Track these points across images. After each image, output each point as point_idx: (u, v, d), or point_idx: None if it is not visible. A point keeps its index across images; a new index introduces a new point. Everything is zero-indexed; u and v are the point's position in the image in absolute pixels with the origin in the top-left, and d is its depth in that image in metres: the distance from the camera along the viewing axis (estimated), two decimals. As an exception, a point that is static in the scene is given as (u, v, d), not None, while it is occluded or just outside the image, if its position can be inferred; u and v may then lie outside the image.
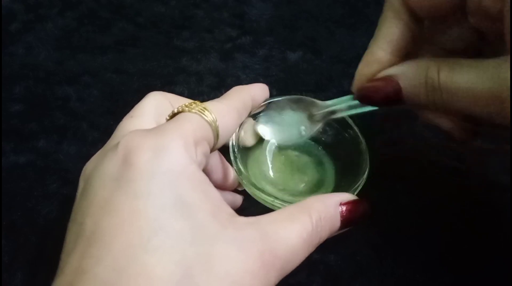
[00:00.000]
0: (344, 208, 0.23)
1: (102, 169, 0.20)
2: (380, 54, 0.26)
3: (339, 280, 0.30)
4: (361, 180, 0.29)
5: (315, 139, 0.33)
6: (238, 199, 0.31)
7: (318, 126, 0.30)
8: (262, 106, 0.31)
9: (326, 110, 0.30)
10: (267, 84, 0.31)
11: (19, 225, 0.31)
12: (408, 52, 0.26)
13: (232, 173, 0.29)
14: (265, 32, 0.44)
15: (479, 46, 0.26)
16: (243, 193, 0.29)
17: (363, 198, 0.25)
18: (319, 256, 0.30)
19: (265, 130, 0.31)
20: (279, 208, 0.28)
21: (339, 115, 0.29)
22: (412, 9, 0.25)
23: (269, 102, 0.32)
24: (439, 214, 0.32)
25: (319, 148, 0.33)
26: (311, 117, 0.30)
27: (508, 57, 0.19)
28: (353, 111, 0.28)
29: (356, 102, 0.28)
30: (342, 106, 0.29)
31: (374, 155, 0.30)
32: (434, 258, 0.31)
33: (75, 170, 0.34)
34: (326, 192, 0.31)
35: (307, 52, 0.43)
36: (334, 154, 0.33)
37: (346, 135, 0.32)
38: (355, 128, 0.32)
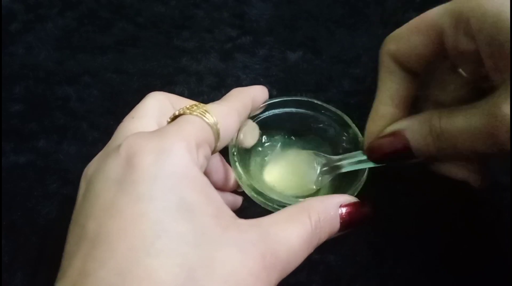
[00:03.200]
0: (344, 210, 0.23)
1: (104, 171, 0.20)
2: (385, 110, 0.27)
3: (339, 280, 0.30)
4: (361, 181, 0.29)
5: (314, 140, 0.33)
6: (239, 200, 0.31)
7: (328, 180, 0.31)
8: (261, 107, 0.31)
9: (337, 164, 0.30)
10: (267, 84, 0.31)
11: (19, 225, 0.31)
12: (412, 106, 0.27)
13: (232, 174, 0.29)
14: (265, 32, 0.44)
15: (477, 94, 0.26)
16: (244, 193, 0.29)
17: (365, 200, 0.25)
18: (319, 256, 0.30)
19: (274, 181, 0.31)
20: (279, 210, 0.28)
21: (348, 169, 0.29)
22: (402, 62, 0.26)
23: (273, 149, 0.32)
24: (439, 214, 0.32)
25: (319, 150, 0.33)
26: (322, 169, 0.31)
27: (496, 96, 0.21)
28: (363, 166, 0.29)
29: (365, 158, 0.28)
30: (352, 161, 0.29)
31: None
32: (434, 258, 0.31)
33: (75, 170, 0.34)
34: (326, 193, 0.31)
35: (307, 52, 0.43)
36: (334, 155, 0.33)
37: (346, 135, 0.32)
38: (355, 128, 0.32)
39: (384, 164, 0.27)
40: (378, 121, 0.27)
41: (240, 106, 0.27)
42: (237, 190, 0.30)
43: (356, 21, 0.45)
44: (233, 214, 0.21)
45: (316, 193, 0.31)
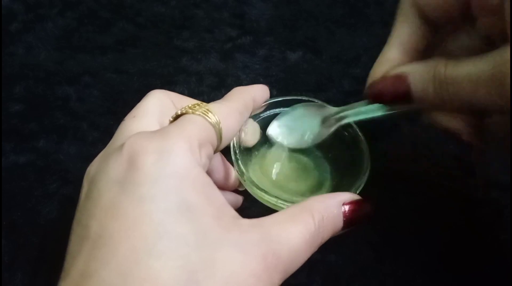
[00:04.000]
0: (347, 208, 0.23)
1: (106, 172, 0.20)
2: (392, 54, 0.26)
3: (339, 280, 0.30)
4: (362, 179, 0.29)
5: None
6: (239, 199, 0.31)
7: (330, 131, 0.30)
8: (262, 107, 0.31)
9: (338, 115, 0.30)
10: (267, 84, 0.31)
11: (19, 225, 0.31)
12: (421, 57, 0.26)
13: (233, 173, 0.29)
14: (265, 32, 0.44)
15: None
16: (244, 193, 0.29)
17: (366, 197, 0.25)
18: (319, 256, 0.30)
19: (277, 133, 0.31)
20: (282, 208, 0.28)
21: (349, 120, 0.29)
22: (421, 10, 0.25)
23: (282, 109, 0.32)
24: (439, 214, 0.32)
25: (320, 148, 0.33)
26: (322, 123, 0.31)
27: (507, 45, 0.20)
28: (364, 116, 0.29)
29: (368, 107, 0.28)
30: (353, 111, 0.29)
31: (374, 155, 0.30)
32: (434, 258, 0.31)
33: (75, 170, 0.34)
34: (328, 191, 0.31)
35: (307, 52, 0.43)
36: (335, 153, 0.33)
37: (347, 134, 0.32)
38: (356, 127, 0.32)
39: (384, 114, 0.27)
40: (384, 65, 0.26)
41: (241, 106, 0.27)
42: (238, 189, 0.30)
43: (356, 21, 0.45)
44: (235, 214, 0.21)
45: (318, 193, 0.31)
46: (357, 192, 0.28)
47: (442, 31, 0.27)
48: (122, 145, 0.21)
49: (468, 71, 0.21)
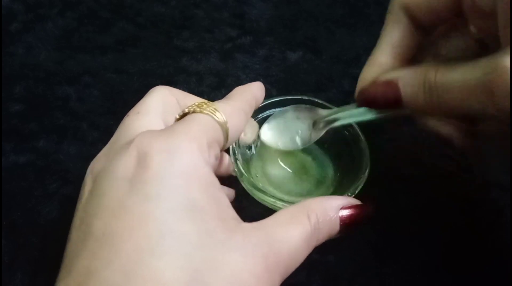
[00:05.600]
0: (345, 212, 0.23)
1: (113, 170, 0.20)
2: (382, 58, 0.26)
3: (339, 280, 0.30)
4: (361, 179, 0.29)
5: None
6: (232, 193, 0.31)
7: (320, 134, 0.31)
8: (261, 106, 0.31)
9: (328, 118, 0.30)
10: (267, 84, 0.31)
11: (19, 225, 0.31)
12: (412, 59, 0.26)
13: (226, 158, 0.29)
14: (265, 32, 0.44)
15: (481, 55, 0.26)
16: (245, 192, 0.29)
17: (367, 201, 0.24)
18: (319, 256, 0.30)
19: (269, 137, 0.32)
20: (280, 208, 0.28)
21: (341, 123, 0.29)
22: (412, 13, 0.25)
23: (275, 111, 0.32)
24: (439, 214, 0.32)
25: (319, 147, 0.33)
26: (313, 125, 0.31)
27: (498, 52, 0.20)
28: (354, 119, 0.29)
29: (358, 110, 0.28)
30: (344, 114, 0.29)
31: (374, 155, 0.30)
32: (434, 258, 0.31)
33: (75, 170, 0.34)
34: (327, 191, 0.31)
35: (307, 52, 0.43)
36: (335, 153, 0.33)
37: (347, 133, 0.32)
38: (356, 127, 0.32)
39: (375, 117, 0.27)
40: (373, 69, 0.26)
41: (246, 105, 0.27)
42: (232, 174, 0.30)
43: (356, 21, 0.45)
44: (237, 217, 0.21)
45: (317, 192, 0.31)
46: (356, 191, 0.28)
47: (433, 33, 0.27)
48: (130, 143, 0.21)
49: (458, 77, 0.21)
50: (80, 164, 0.33)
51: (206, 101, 0.25)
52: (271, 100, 0.32)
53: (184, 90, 0.40)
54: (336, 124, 0.30)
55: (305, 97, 0.33)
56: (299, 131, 0.31)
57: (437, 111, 0.23)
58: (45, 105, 0.38)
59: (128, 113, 0.25)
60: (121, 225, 0.18)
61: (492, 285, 0.30)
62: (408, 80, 0.24)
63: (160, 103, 0.25)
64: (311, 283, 0.29)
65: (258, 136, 0.32)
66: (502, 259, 0.30)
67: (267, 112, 0.33)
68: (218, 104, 0.25)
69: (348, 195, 0.28)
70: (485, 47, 0.25)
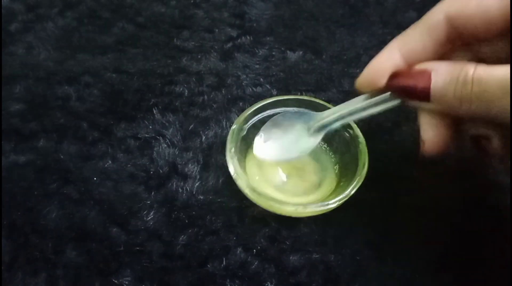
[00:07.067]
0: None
1: None
2: (396, 57, 0.25)
3: (339, 280, 0.30)
4: (359, 179, 0.29)
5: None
6: None
7: (319, 139, 0.30)
8: (249, 111, 0.31)
9: (323, 121, 0.29)
10: (267, 84, 0.31)
11: (19, 225, 0.31)
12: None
13: None
14: (265, 32, 0.44)
15: None
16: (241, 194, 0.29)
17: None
18: (319, 256, 0.30)
19: (262, 151, 0.31)
20: (278, 210, 0.28)
21: (335, 126, 0.29)
22: (455, 26, 0.24)
23: (279, 110, 0.32)
24: (439, 214, 0.32)
25: (318, 147, 0.33)
26: (308, 131, 0.30)
27: None
28: (347, 119, 0.28)
29: (348, 110, 0.27)
30: (340, 114, 0.28)
31: (374, 155, 0.30)
32: (434, 258, 0.31)
33: (75, 169, 0.34)
34: (326, 191, 0.31)
35: (307, 52, 0.43)
36: (334, 153, 0.33)
37: (346, 134, 0.32)
38: (356, 128, 0.32)
39: (364, 115, 0.27)
40: (384, 63, 0.26)
41: None
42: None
43: (356, 21, 0.45)
44: None
45: (316, 193, 0.31)
46: (354, 191, 0.28)
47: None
48: None
49: (499, 74, 0.20)
50: (80, 163, 0.33)
51: None
52: (271, 100, 0.32)
53: (184, 90, 0.40)
54: (334, 126, 0.29)
55: (305, 97, 0.33)
56: (295, 140, 0.30)
57: (462, 108, 0.22)
58: (45, 104, 0.38)
59: None
60: None
61: (492, 285, 0.30)
62: (443, 72, 0.23)
63: None
64: (311, 283, 0.29)
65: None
66: (502, 259, 0.30)
67: (267, 112, 0.33)
68: None
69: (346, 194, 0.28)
70: None
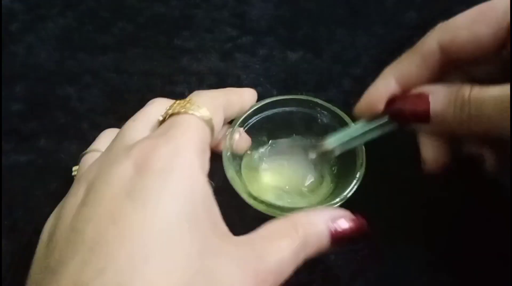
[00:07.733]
0: (336, 224, 0.23)
1: (111, 176, 0.20)
2: (392, 83, 0.26)
3: (339, 280, 0.30)
4: (356, 180, 0.29)
5: (310, 140, 0.33)
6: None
7: (329, 165, 0.31)
8: (249, 111, 0.31)
9: (321, 151, 0.30)
10: (267, 84, 0.31)
11: (20, 225, 0.31)
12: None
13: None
14: (265, 32, 0.44)
15: None
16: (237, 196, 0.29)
17: (358, 214, 0.24)
18: (319, 256, 0.30)
19: (272, 177, 0.31)
20: (275, 213, 0.28)
21: (337, 153, 0.30)
22: (448, 53, 0.24)
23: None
24: (439, 214, 0.33)
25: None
26: (311, 160, 0.31)
27: None
28: (347, 147, 0.29)
29: (348, 137, 0.28)
30: (337, 144, 0.29)
31: (373, 155, 0.30)
32: (434, 258, 0.31)
33: (75, 169, 0.34)
34: (324, 194, 0.31)
35: (307, 52, 0.43)
36: (330, 157, 0.33)
37: None
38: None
39: (364, 141, 0.27)
40: (380, 91, 0.26)
41: (224, 102, 0.26)
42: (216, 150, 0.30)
43: (356, 21, 0.45)
44: (228, 230, 0.21)
45: (313, 195, 0.31)
46: (352, 192, 0.28)
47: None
48: (127, 150, 0.21)
49: (494, 94, 0.21)
50: (80, 163, 0.33)
51: (190, 98, 0.24)
52: (271, 100, 0.32)
53: (184, 90, 0.40)
54: (335, 154, 0.29)
55: (304, 97, 0.33)
56: (300, 172, 0.31)
57: (464, 128, 0.23)
58: (46, 104, 0.38)
59: (127, 123, 0.24)
60: (117, 233, 0.18)
61: (492, 285, 0.30)
62: (440, 95, 0.23)
63: (158, 113, 0.25)
64: (311, 283, 0.29)
65: (250, 143, 0.32)
66: (502, 259, 0.30)
67: (267, 112, 0.33)
68: (198, 98, 0.24)
69: (344, 196, 0.28)
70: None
